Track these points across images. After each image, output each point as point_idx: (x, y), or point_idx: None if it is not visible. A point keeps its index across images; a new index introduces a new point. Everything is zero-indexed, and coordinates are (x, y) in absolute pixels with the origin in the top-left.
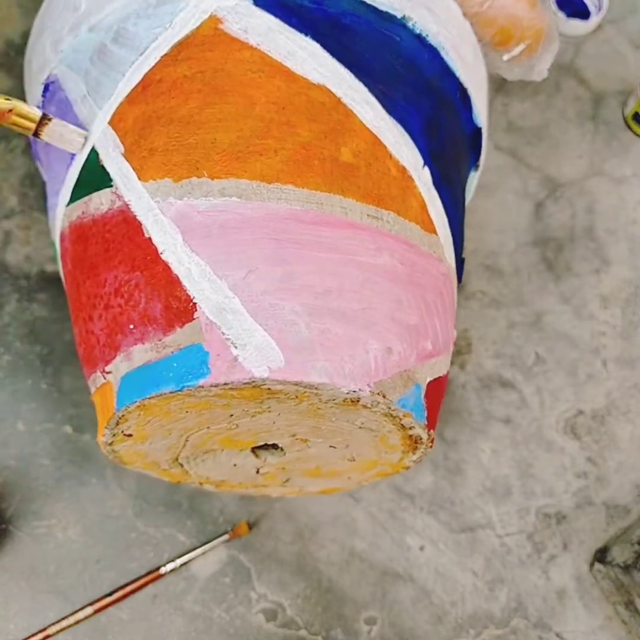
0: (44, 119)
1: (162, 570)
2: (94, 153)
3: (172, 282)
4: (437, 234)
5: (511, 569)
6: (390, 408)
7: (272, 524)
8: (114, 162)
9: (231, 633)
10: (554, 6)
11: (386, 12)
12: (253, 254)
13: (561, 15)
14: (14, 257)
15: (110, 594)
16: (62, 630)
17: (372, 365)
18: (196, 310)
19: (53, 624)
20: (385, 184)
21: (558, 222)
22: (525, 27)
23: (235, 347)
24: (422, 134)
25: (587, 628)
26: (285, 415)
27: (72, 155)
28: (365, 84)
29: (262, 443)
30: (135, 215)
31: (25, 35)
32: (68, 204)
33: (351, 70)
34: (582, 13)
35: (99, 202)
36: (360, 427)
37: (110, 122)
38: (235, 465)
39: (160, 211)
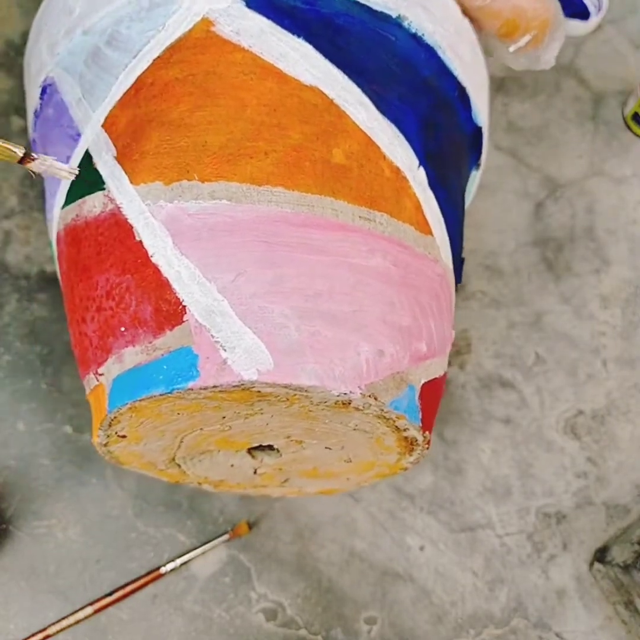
0: (26, 158)
1: (162, 570)
2: (87, 156)
3: (162, 285)
4: (432, 235)
5: (511, 569)
6: (382, 410)
7: (272, 524)
8: (107, 165)
9: (231, 633)
10: None
11: (381, 12)
12: (243, 257)
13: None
14: (14, 257)
15: (110, 594)
16: (62, 630)
17: (364, 368)
18: (185, 313)
19: (53, 624)
20: (379, 185)
21: (558, 222)
22: (530, 18)
23: (225, 350)
24: (417, 134)
25: (587, 628)
26: (278, 417)
27: (67, 158)
28: (359, 85)
29: (257, 444)
30: (126, 218)
31: (25, 35)
32: (63, 206)
33: (344, 71)
34: (582, 13)
35: (92, 204)
36: (354, 429)
37: (104, 125)
38: (232, 465)
39: (150, 214)
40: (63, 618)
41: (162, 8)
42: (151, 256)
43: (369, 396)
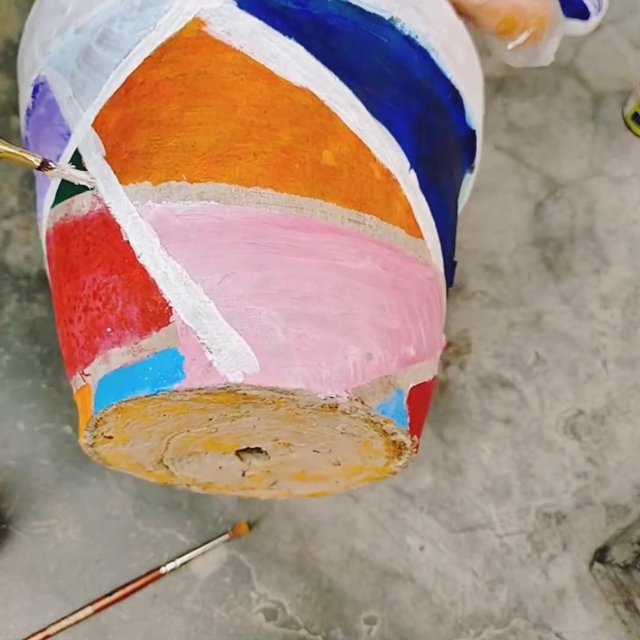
0: (44, 166)
1: (162, 570)
2: (77, 155)
3: (148, 286)
4: (423, 238)
5: (511, 569)
6: (369, 414)
7: (272, 524)
8: (96, 165)
9: (231, 633)
10: None
11: (373, 14)
12: (230, 259)
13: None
14: (14, 257)
15: (110, 594)
16: (62, 630)
17: (351, 371)
18: (172, 315)
19: (53, 624)
20: (369, 188)
21: (558, 222)
22: (528, 15)
23: (211, 352)
24: (409, 137)
25: (587, 628)
26: (265, 420)
27: (57, 157)
28: (350, 87)
29: (244, 446)
30: (114, 218)
31: None
32: (53, 206)
33: (336, 73)
34: (582, 13)
35: (81, 204)
36: (342, 433)
37: (94, 125)
38: (220, 467)
39: (139, 214)
40: (63, 618)
41: (154, 7)
42: (138, 256)
43: (356, 400)
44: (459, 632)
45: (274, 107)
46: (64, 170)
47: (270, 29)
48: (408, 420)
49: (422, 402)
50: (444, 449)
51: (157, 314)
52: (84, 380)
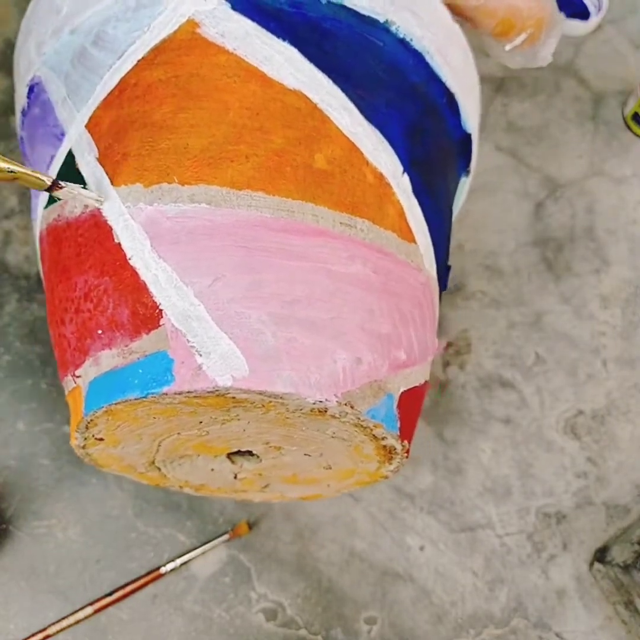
0: (54, 186)
1: (162, 570)
2: (70, 156)
3: (139, 288)
4: (416, 243)
5: (511, 569)
6: (359, 419)
7: (272, 524)
8: (88, 166)
9: (231, 633)
10: None
11: (368, 17)
12: (221, 262)
13: (561, 15)
14: (14, 257)
15: (110, 594)
16: (62, 630)
17: (340, 376)
18: (162, 317)
19: (53, 624)
20: (361, 191)
21: (558, 222)
22: (526, 17)
23: (200, 355)
24: (403, 141)
25: (587, 628)
26: (255, 423)
27: (51, 158)
28: (344, 90)
29: (235, 449)
30: (106, 220)
31: None
32: (46, 206)
33: (329, 76)
34: (582, 13)
35: (73, 205)
36: (332, 437)
37: (87, 126)
38: (212, 470)
39: (130, 216)
40: (63, 618)
41: (149, 9)
42: (129, 259)
43: (345, 404)
44: (459, 632)
45: (266, 109)
46: (73, 190)
47: (264, 31)
48: (398, 424)
49: (413, 407)
50: (444, 449)
51: (148, 316)
52: (75, 382)
